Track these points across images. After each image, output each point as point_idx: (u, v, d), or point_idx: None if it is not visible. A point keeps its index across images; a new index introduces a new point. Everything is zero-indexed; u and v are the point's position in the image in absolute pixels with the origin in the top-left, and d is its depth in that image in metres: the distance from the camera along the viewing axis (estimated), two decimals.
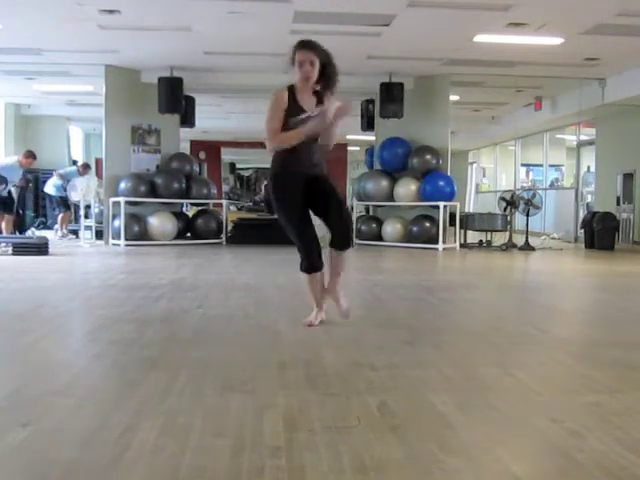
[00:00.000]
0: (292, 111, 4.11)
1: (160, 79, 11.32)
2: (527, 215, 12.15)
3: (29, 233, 12.37)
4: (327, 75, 4.17)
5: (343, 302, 4.37)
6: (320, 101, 4.20)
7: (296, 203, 4.19)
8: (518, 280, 8.20)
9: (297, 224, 4.22)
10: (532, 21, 8.49)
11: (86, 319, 4.77)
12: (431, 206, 11.45)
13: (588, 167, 15.55)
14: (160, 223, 11.47)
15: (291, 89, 4.17)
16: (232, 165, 28.24)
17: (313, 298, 4.40)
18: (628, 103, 11.89)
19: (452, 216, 11.65)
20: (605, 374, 3.25)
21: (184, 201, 12.44)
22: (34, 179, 15.12)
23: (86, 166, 13.70)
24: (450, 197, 11.53)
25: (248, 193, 27.84)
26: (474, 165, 23.23)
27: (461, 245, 11.80)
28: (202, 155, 21.72)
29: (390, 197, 11.94)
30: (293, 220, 4.21)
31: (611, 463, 2.12)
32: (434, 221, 11.37)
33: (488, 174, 22.90)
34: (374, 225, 12.11)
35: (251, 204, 22.78)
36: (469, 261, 10.04)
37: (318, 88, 4.22)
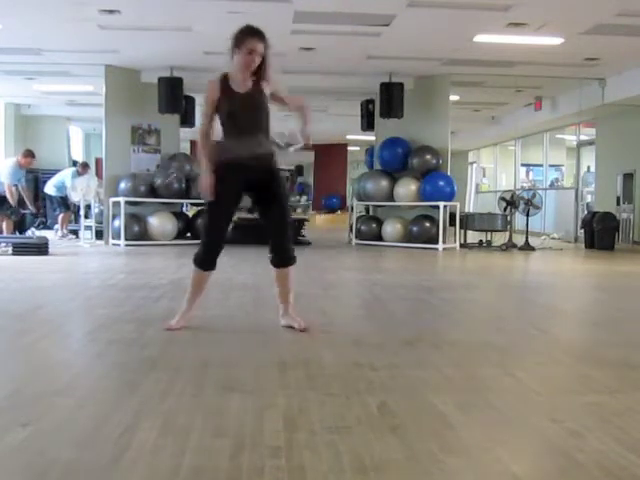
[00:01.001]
0: (226, 98, 3.98)
1: (160, 79, 11.32)
2: (527, 215, 12.15)
3: (29, 233, 12.36)
4: (264, 67, 3.99)
5: (300, 322, 4.13)
6: (257, 86, 4.01)
7: (227, 199, 4.03)
8: (518, 280, 8.20)
9: (216, 219, 4.06)
10: (532, 21, 8.49)
11: (86, 319, 4.77)
12: (431, 206, 11.45)
13: (588, 167, 15.55)
14: (160, 223, 11.47)
15: (225, 77, 4.02)
16: None
17: (192, 296, 4.18)
18: (628, 103, 11.88)
19: (452, 216, 11.65)
20: (605, 374, 3.25)
21: (184, 201, 12.44)
22: (34, 179, 15.11)
23: (85, 165, 13.70)
24: (450, 197, 11.53)
25: None
26: (474, 165, 23.23)
27: (461, 245, 11.80)
28: None
29: (390, 197, 11.94)
30: (214, 215, 4.05)
31: (611, 463, 2.12)
32: (434, 221, 11.37)
33: (488, 174, 22.91)
34: (374, 225, 12.10)
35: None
36: (469, 261, 10.04)
37: (254, 78, 4.02)
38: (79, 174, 12.95)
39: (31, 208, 11.94)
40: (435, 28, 8.96)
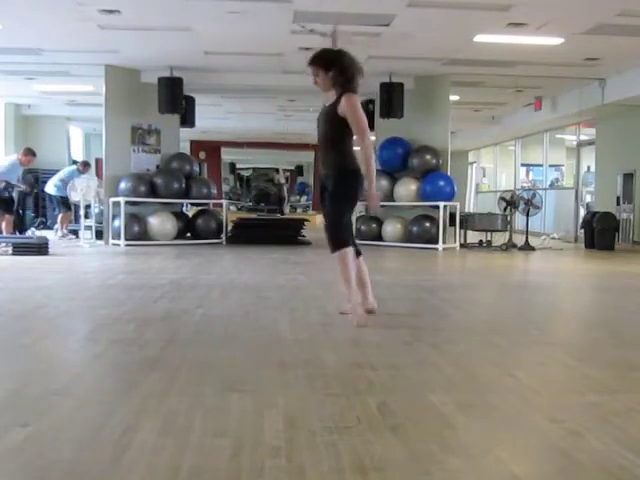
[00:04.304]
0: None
1: (160, 79, 11.31)
2: (527, 215, 12.15)
3: (29, 233, 12.36)
4: (333, 77, 4.37)
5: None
6: (336, 102, 4.40)
7: None
8: (518, 280, 8.20)
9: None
10: (532, 21, 8.49)
11: (86, 319, 4.77)
12: (431, 206, 11.45)
13: (588, 167, 15.55)
14: (160, 223, 11.47)
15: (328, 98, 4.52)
16: (232, 165, 28.25)
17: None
18: (628, 103, 11.88)
19: (452, 216, 11.65)
20: (605, 374, 3.25)
21: (184, 201, 12.44)
22: (34, 179, 15.12)
23: (85, 164, 13.71)
24: (450, 197, 11.53)
25: (248, 193, 27.84)
26: (474, 165, 23.23)
27: (461, 245, 11.79)
28: (202, 155, 21.73)
29: (390, 197, 11.94)
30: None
31: (611, 463, 2.12)
32: (434, 221, 11.37)
33: (488, 174, 22.91)
34: (374, 225, 12.10)
35: (251, 204, 22.74)
36: (469, 261, 10.04)
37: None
38: (80, 172, 12.97)
39: (23, 187, 11.74)
40: (435, 28, 8.96)
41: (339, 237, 4.42)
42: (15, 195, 11.08)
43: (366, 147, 4.39)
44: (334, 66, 4.37)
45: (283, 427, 2.39)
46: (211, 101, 14.78)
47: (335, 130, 4.39)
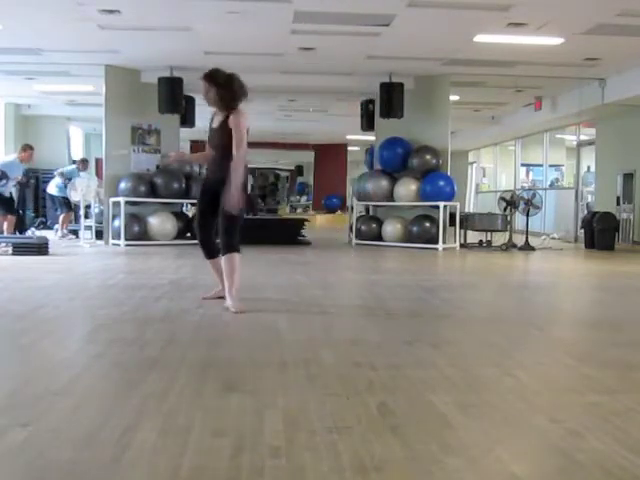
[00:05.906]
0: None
1: (160, 79, 11.31)
2: (527, 215, 12.14)
3: (29, 233, 12.35)
4: (219, 97, 4.85)
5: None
6: (225, 120, 4.89)
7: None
8: (518, 280, 8.20)
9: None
10: (532, 21, 8.49)
11: (86, 319, 4.77)
12: (431, 206, 11.45)
13: (588, 167, 15.55)
14: (160, 223, 11.47)
15: (216, 112, 5.05)
16: None
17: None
18: (628, 103, 11.88)
19: (452, 216, 11.64)
20: (605, 374, 3.26)
21: (184, 201, 12.43)
22: (34, 179, 15.12)
23: (84, 161, 13.71)
24: (450, 197, 11.52)
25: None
26: (474, 165, 23.23)
27: (461, 245, 11.79)
28: None
29: (390, 197, 11.94)
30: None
31: (611, 463, 2.12)
32: (434, 221, 11.37)
33: (488, 174, 22.91)
34: (374, 225, 12.10)
35: None
36: (469, 261, 10.04)
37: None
38: (79, 170, 12.97)
39: (19, 178, 11.61)
40: (435, 28, 8.95)
41: (235, 241, 5.33)
42: (15, 195, 11.03)
43: (238, 157, 4.84)
44: (224, 86, 4.85)
45: (283, 427, 2.39)
46: None
47: (229, 142, 4.84)
